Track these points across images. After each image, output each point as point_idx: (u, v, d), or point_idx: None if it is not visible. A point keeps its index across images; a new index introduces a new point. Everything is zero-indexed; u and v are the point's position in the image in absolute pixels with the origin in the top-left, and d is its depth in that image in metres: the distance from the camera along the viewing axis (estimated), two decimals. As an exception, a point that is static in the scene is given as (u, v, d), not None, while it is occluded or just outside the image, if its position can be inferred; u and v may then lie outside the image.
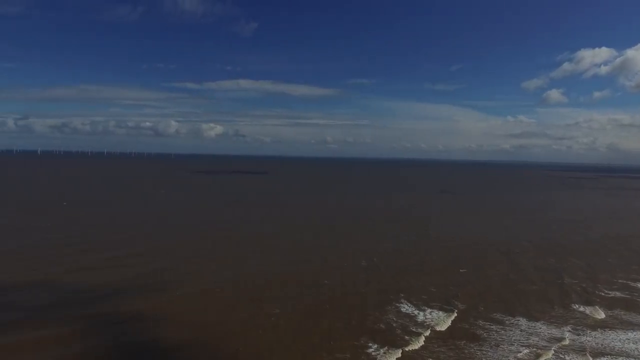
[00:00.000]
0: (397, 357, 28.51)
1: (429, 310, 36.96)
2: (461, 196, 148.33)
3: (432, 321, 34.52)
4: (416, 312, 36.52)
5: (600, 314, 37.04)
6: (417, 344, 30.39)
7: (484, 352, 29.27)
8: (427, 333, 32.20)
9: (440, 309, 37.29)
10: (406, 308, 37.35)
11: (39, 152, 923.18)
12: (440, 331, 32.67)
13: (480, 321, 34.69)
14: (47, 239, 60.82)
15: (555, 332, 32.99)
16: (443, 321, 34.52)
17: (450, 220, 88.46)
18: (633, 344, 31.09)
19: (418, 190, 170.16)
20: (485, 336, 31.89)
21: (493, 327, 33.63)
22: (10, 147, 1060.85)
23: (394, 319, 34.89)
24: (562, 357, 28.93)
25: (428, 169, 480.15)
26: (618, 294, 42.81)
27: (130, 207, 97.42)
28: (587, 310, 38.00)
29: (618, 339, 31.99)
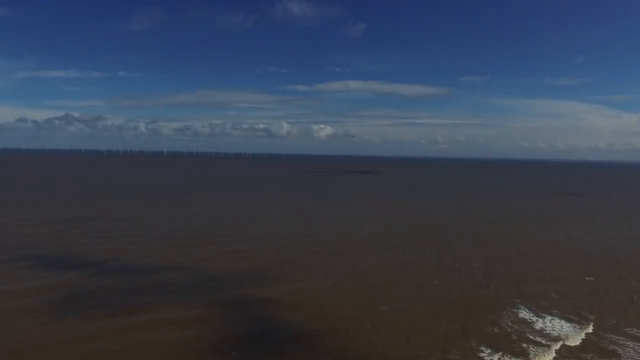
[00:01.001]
0: (512, 364, 26.68)
1: (549, 318, 34.03)
2: (593, 198, 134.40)
3: (552, 330, 31.73)
4: (534, 318, 33.84)
5: None
6: (534, 350, 28.15)
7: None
8: (545, 341, 29.68)
9: (562, 317, 34.12)
10: (524, 314, 34.78)
11: (164, 152, 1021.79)
12: (567, 344, 29.89)
13: (614, 336, 31.08)
14: (178, 230, 66.92)
15: None
16: (567, 332, 31.54)
17: (581, 224, 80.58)
18: None
19: (542, 191, 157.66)
20: (621, 352, 28.51)
21: (629, 344, 29.94)
22: (142, 148, 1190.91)
23: (510, 324, 32.69)
24: None
25: (550, 169, 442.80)
26: None
27: (248, 204, 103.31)
28: None
29: None
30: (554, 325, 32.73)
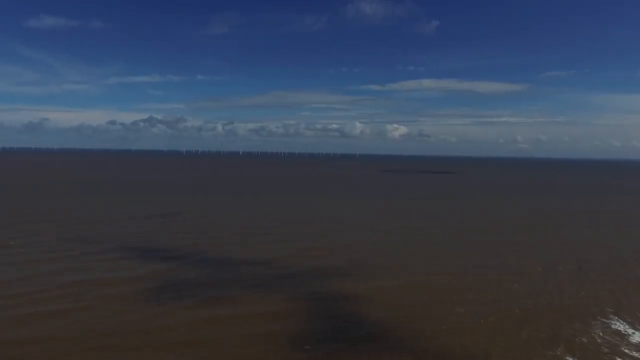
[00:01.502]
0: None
1: (648, 331, 31.08)
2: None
3: (652, 344, 28.96)
4: (630, 331, 31.06)
5: None
6: (632, 367, 25.84)
7: None
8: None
9: (665, 331, 31.02)
10: (618, 325, 32.06)
11: (240, 152, 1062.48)
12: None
13: None
14: (256, 227, 69.17)
15: None
16: (668, 346, 28.64)
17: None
18: None
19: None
20: None
21: None
22: (219, 148, 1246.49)
23: (601, 335, 30.28)
24: None
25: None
26: None
27: (322, 203, 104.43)
28: None
29: None
30: (654, 338, 29.87)
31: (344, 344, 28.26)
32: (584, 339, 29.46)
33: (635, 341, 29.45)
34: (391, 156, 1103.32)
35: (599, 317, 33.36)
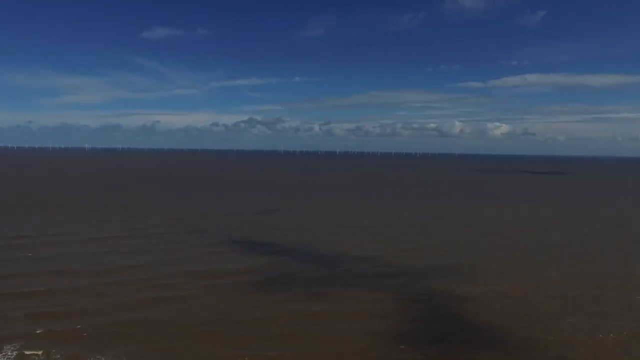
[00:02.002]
0: None
1: None
2: None
3: None
4: None
5: None
6: None
7: None
8: None
9: None
10: None
11: (337, 152, 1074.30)
12: None
13: None
14: (356, 226, 69.33)
15: None
16: None
17: None
18: None
19: None
20: None
21: None
22: (316, 148, 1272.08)
23: None
24: None
25: None
26: None
27: (418, 203, 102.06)
28: None
29: None
30: None
31: (441, 348, 27.04)
32: None
33: None
34: (492, 156, 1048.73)
35: None
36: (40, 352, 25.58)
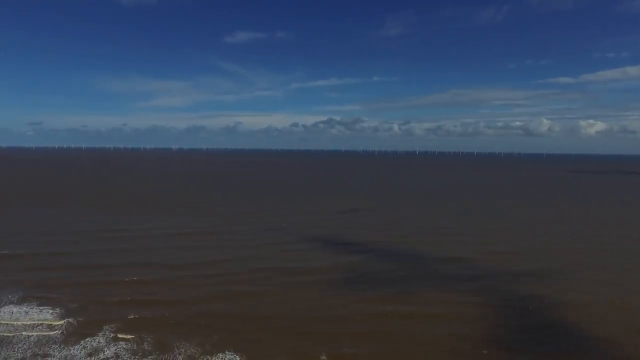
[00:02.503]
0: None
1: None
2: None
3: None
4: None
5: None
6: None
7: None
8: None
9: None
10: None
11: (417, 152, 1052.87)
12: None
13: None
14: (443, 226, 67.34)
15: None
16: None
17: None
18: None
19: None
20: None
21: None
22: (395, 148, 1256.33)
23: None
24: None
25: None
26: None
27: (507, 205, 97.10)
28: None
29: None
30: None
31: (525, 356, 25.12)
32: None
33: None
34: (585, 155, 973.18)
35: None
36: (133, 336, 27.19)
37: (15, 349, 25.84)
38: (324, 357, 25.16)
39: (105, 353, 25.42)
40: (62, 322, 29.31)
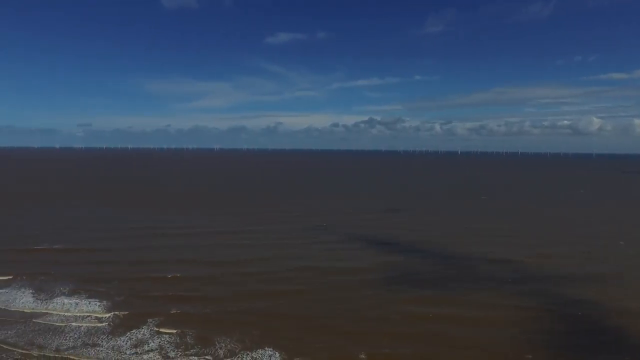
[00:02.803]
0: None
1: None
2: None
3: None
4: None
5: None
6: None
7: None
8: None
9: None
10: None
11: (459, 152, 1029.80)
12: None
13: None
14: (484, 228, 65.75)
15: None
16: None
17: None
18: None
19: None
20: None
21: None
22: (437, 148, 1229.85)
23: None
24: None
25: None
26: None
27: (555, 206, 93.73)
28: None
29: None
30: None
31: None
32: None
33: None
34: (637, 155, 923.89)
35: None
36: (175, 330, 27.89)
37: (67, 338, 27.02)
38: (363, 356, 24.94)
39: (150, 345, 26.18)
40: (109, 314, 30.41)
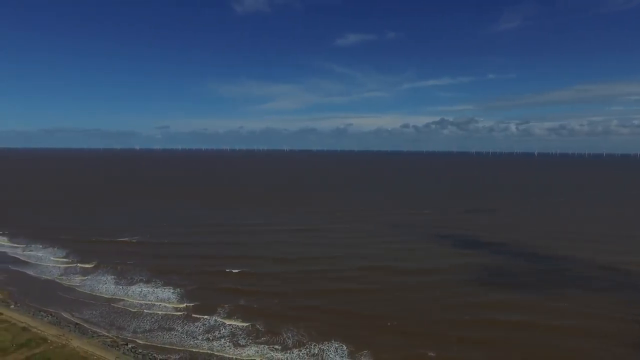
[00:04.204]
0: None
1: None
2: None
3: None
4: None
5: None
6: None
7: None
8: None
9: None
10: None
11: (535, 153, 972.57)
12: None
13: None
14: (573, 231, 61.89)
15: None
16: None
17: None
18: None
19: None
20: None
21: None
22: (512, 149, 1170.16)
23: None
24: None
25: None
26: None
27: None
28: None
29: None
30: None
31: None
32: None
33: None
34: None
35: None
36: (244, 320, 28.54)
37: (144, 321, 28.48)
38: (432, 354, 24.03)
39: (221, 332, 26.95)
40: (183, 302, 31.66)
